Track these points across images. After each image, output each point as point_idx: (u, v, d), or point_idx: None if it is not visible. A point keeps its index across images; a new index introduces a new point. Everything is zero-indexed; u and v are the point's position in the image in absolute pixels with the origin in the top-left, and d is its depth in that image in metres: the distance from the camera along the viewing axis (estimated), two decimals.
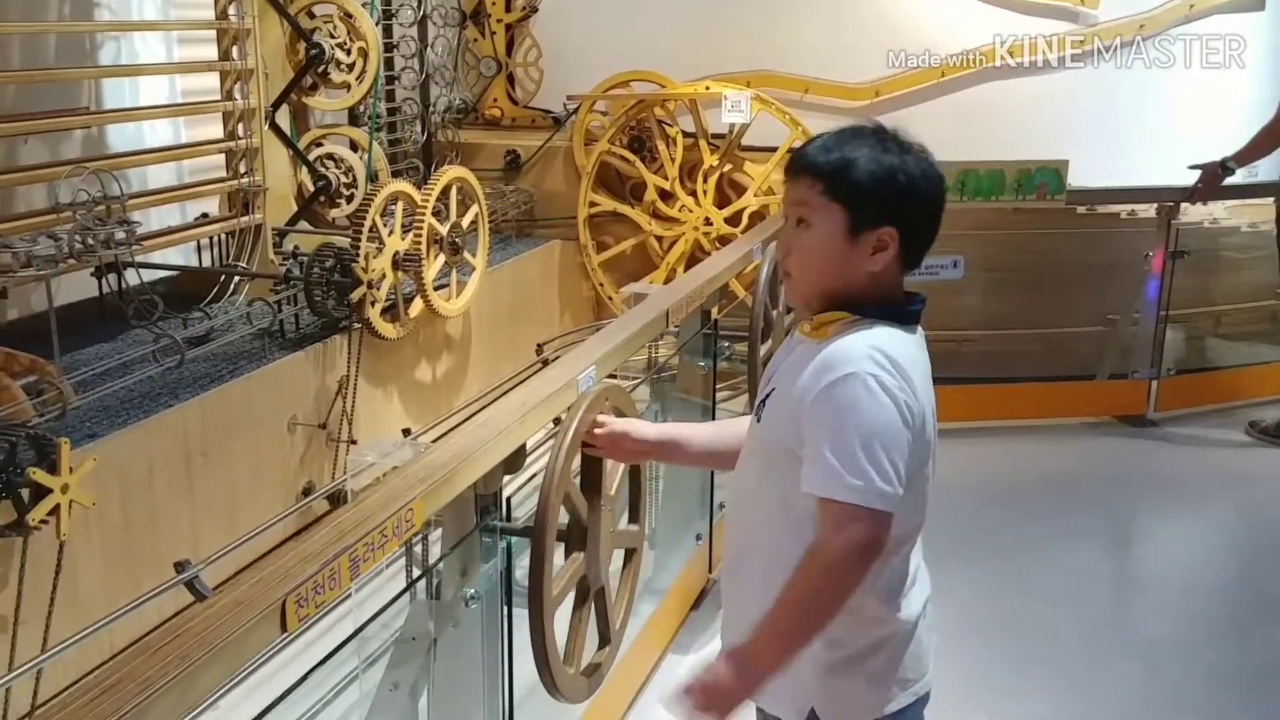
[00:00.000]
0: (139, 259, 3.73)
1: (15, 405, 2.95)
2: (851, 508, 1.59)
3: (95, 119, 4.36)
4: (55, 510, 2.69)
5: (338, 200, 4.60)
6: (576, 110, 6.03)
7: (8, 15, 3.91)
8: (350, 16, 4.44)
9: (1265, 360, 5.86)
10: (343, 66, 4.45)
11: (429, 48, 5.51)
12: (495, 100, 6.41)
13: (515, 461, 2.30)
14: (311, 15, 4.41)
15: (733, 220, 5.67)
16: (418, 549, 2.54)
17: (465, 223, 4.58)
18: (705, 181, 5.71)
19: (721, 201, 5.73)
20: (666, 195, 5.78)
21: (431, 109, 5.57)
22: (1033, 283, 5.65)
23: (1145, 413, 5.47)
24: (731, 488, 1.94)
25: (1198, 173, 5.19)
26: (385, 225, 4.17)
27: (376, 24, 4.69)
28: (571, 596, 2.36)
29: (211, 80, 4.35)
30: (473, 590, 2.25)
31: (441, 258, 4.44)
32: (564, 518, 2.25)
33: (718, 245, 5.49)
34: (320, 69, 4.39)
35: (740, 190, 5.75)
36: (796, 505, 1.68)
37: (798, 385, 1.68)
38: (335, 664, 2.11)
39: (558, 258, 5.91)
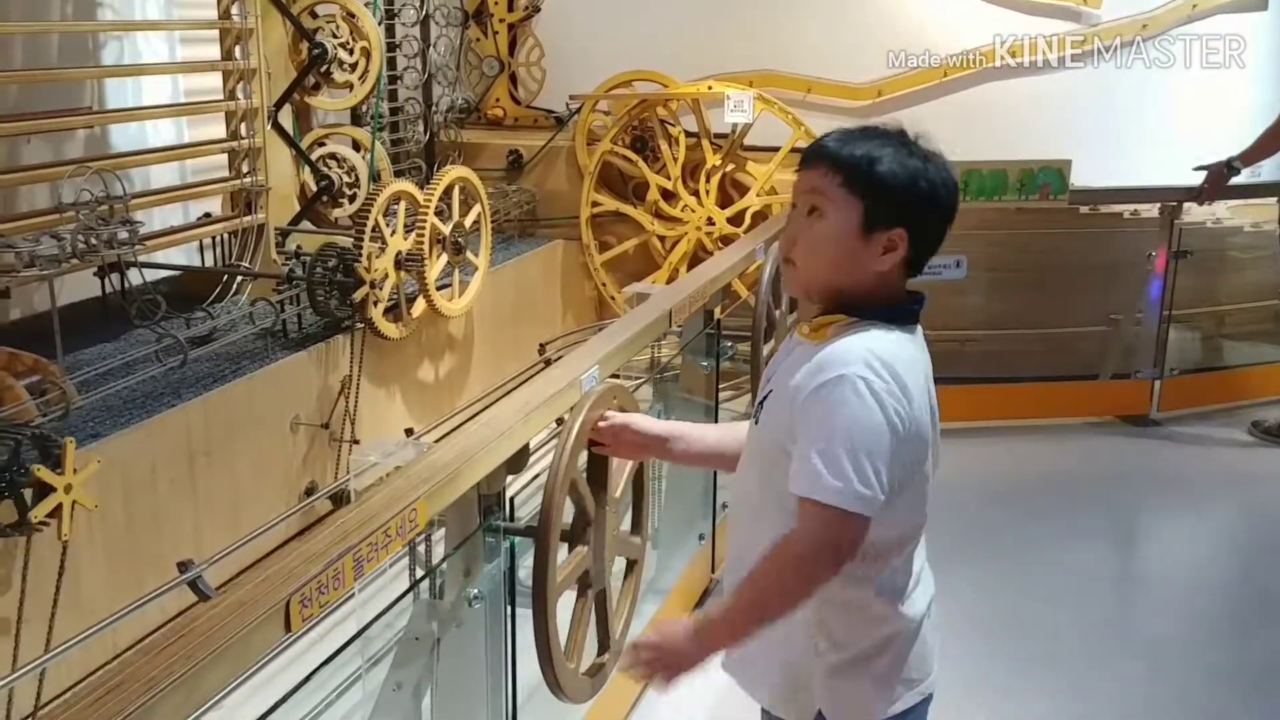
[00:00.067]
0: (142, 259, 3.73)
1: (18, 405, 2.95)
2: (828, 508, 1.60)
3: (98, 119, 4.37)
4: (57, 510, 2.69)
5: (340, 200, 4.60)
6: (579, 110, 6.03)
7: (10, 15, 3.92)
8: (353, 16, 4.44)
9: (1268, 360, 5.85)
10: (345, 66, 4.45)
11: (431, 47, 5.51)
12: (498, 100, 6.41)
13: (518, 462, 2.30)
14: (314, 15, 4.41)
15: (735, 220, 5.67)
16: (421, 549, 2.54)
17: (468, 222, 4.58)
18: (708, 181, 5.71)
19: (724, 201, 5.73)
20: (669, 195, 5.78)
21: (434, 109, 5.57)
22: (1035, 282, 5.65)
23: (1148, 413, 5.47)
24: (732, 489, 1.94)
25: (1203, 174, 5.19)
26: (388, 225, 4.17)
27: (379, 24, 4.69)
28: (573, 593, 2.36)
29: (214, 80, 4.35)
30: (476, 590, 2.25)
31: (444, 258, 4.44)
32: (568, 518, 2.25)
33: (720, 245, 5.49)
34: (323, 69, 4.39)
35: (743, 190, 5.75)
36: (792, 505, 1.68)
37: (792, 385, 1.68)
38: (338, 664, 2.11)
39: (560, 258, 5.91)
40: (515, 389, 2.67)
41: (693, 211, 5.73)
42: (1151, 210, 5.58)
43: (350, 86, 4.51)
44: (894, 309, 1.72)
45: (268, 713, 1.66)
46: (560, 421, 2.34)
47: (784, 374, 1.73)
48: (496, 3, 6.28)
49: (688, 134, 5.76)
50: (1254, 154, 5.15)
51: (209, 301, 4.13)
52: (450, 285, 4.58)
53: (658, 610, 3.40)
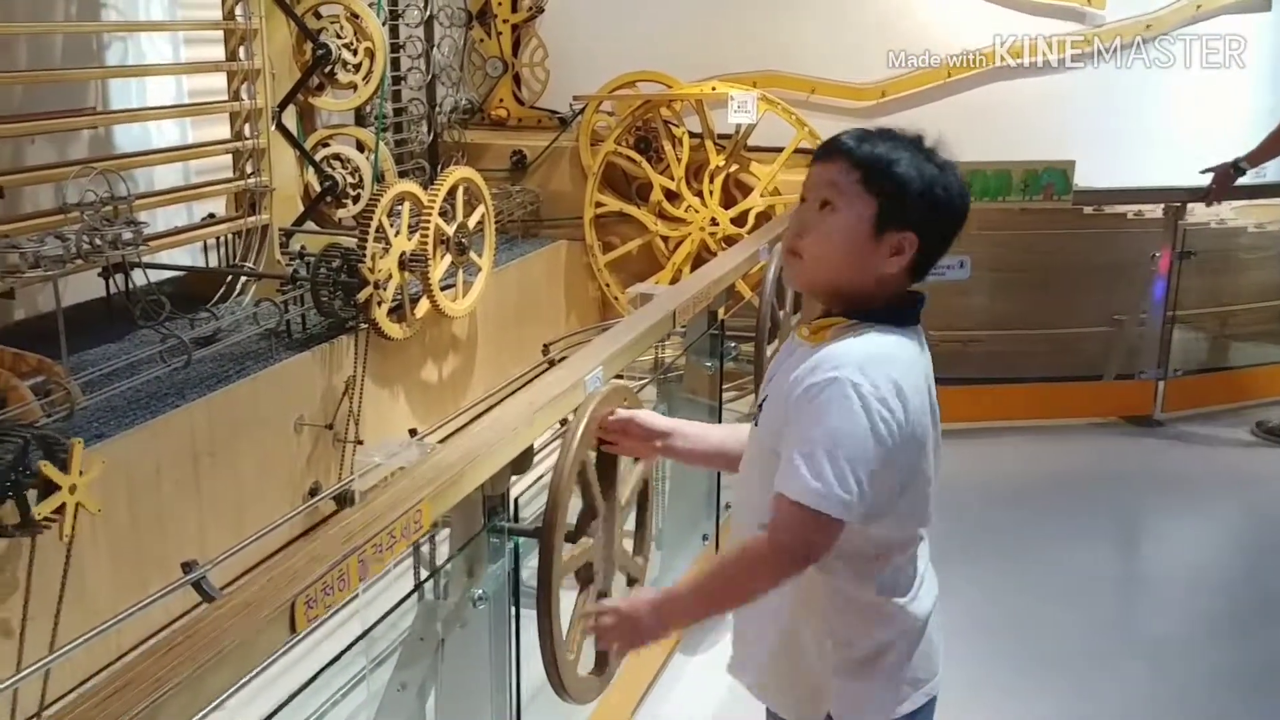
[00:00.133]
0: (146, 259, 3.73)
1: (23, 406, 2.96)
2: (804, 508, 1.60)
3: (102, 119, 4.37)
4: (61, 510, 2.69)
5: (344, 200, 4.61)
6: (583, 110, 6.03)
7: (14, 15, 3.93)
8: (357, 17, 4.45)
9: (1272, 361, 5.84)
10: (349, 67, 4.46)
11: (435, 48, 5.51)
12: (501, 100, 6.41)
13: (523, 462, 2.30)
14: (318, 15, 4.42)
15: (739, 220, 5.67)
16: (425, 549, 2.54)
17: (471, 223, 4.58)
18: (711, 182, 5.71)
19: (728, 202, 5.73)
20: (673, 195, 5.78)
21: (438, 109, 5.58)
22: (1039, 283, 5.64)
23: (1152, 413, 5.46)
24: (735, 490, 1.94)
25: (1209, 175, 5.18)
26: (392, 226, 4.17)
27: (383, 24, 4.69)
28: (573, 593, 2.35)
29: (218, 81, 4.35)
30: (480, 591, 2.25)
31: (448, 258, 4.45)
32: (572, 518, 2.26)
33: (724, 246, 5.49)
34: (327, 69, 4.40)
35: (746, 190, 5.75)
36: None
37: (788, 386, 1.68)
38: (343, 664, 2.11)
39: (564, 258, 5.91)
40: (519, 390, 2.67)
41: (696, 212, 5.73)
42: (1155, 211, 5.57)
43: (354, 87, 4.52)
44: (894, 310, 1.72)
45: (273, 713, 1.67)
46: (564, 422, 2.35)
47: (783, 376, 1.73)
48: (500, 3, 6.28)
49: (691, 135, 5.75)
50: (1260, 155, 5.14)
51: (213, 302, 4.13)
52: (454, 286, 4.58)
53: None
